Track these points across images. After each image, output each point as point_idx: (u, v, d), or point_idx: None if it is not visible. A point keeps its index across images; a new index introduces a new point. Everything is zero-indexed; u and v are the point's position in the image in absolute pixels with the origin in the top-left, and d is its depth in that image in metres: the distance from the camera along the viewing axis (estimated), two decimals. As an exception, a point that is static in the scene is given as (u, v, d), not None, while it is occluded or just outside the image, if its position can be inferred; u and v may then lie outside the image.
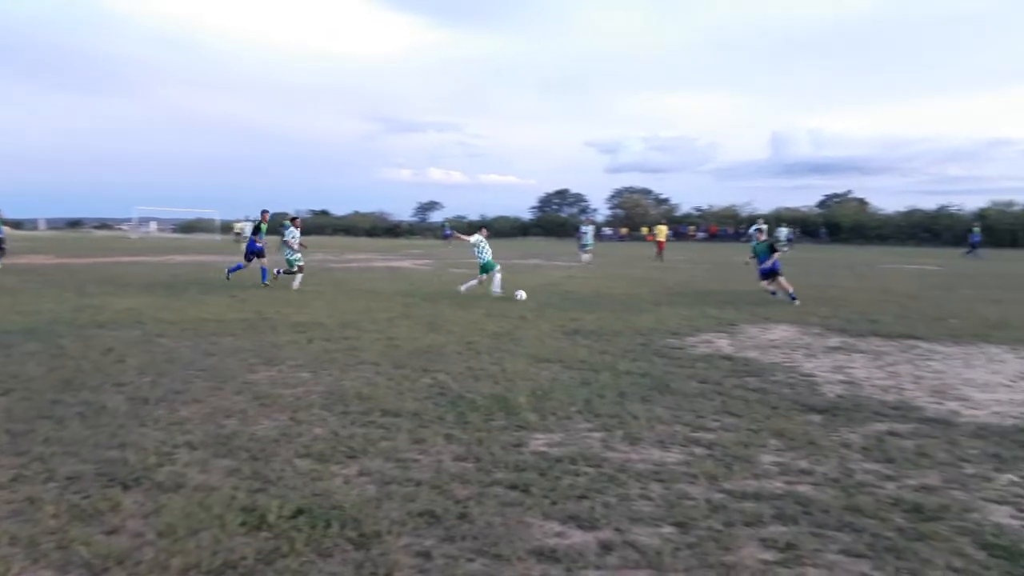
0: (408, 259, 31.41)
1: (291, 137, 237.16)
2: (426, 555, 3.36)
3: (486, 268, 15.62)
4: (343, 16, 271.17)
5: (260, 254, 17.67)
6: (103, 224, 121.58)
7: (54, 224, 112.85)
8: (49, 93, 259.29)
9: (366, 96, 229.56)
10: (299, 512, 3.75)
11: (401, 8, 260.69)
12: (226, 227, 23.65)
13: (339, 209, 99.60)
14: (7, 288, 15.79)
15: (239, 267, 18.28)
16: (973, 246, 39.49)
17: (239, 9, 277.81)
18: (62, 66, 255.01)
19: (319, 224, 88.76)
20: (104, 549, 3.33)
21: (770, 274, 15.37)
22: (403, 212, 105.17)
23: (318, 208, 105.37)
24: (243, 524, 3.62)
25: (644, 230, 71.58)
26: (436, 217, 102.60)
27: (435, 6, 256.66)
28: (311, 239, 39.18)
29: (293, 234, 17.21)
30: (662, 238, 34.46)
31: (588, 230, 30.56)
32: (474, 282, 15.97)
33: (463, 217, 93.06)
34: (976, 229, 42.17)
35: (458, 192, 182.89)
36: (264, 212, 17.98)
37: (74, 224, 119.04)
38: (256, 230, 18.10)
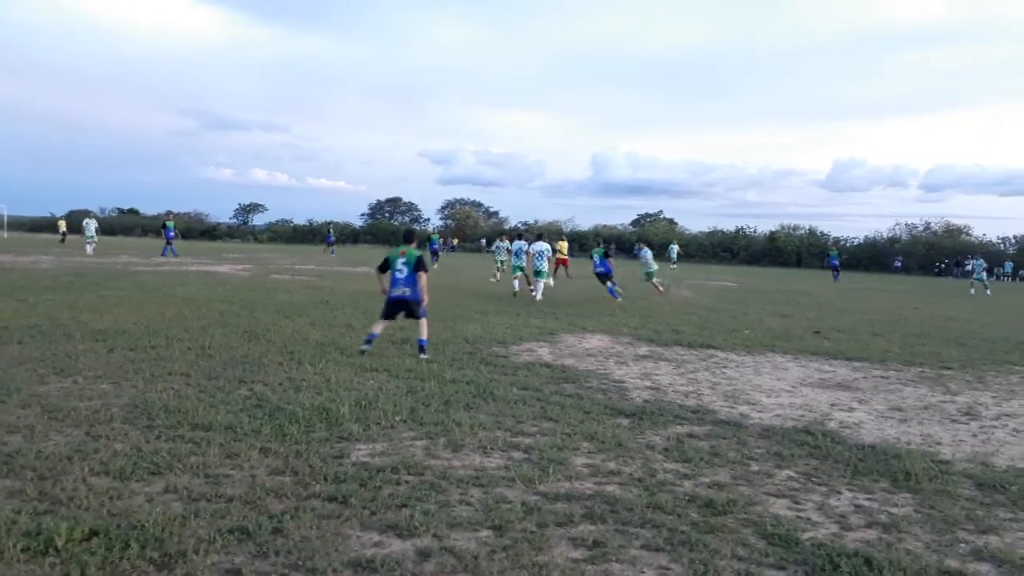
0: (226, 263, 29.76)
1: (93, 129, 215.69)
2: (236, 572, 3.23)
3: (539, 273, 18.51)
4: (150, 2, 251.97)
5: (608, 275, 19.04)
6: None
7: None
8: None
9: (181, 90, 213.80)
10: (93, 534, 3.46)
11: (215, 1, 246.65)
12: (49, 223, 20.18)
13: (150, 208, 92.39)
14: None
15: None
16: (836, 269, 40.85)
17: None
18: None
19: (126, 224, 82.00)
20: None
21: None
22: (223, 213, 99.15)
23: (126, 207, 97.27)
24: (25, 550, 3.28)
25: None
26: (258, 220, 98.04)
27: (254, 2, 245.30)
28: (115, 240, 36.03)
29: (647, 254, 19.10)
30: (564, 254, 29.63)
31: (503, 246, 25.86)
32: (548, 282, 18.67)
33: (288, 221, 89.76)
34: (833, 252, 44.10)
35: (284, 195, 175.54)
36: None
37: None
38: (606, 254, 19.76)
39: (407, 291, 9.17)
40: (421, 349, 9.13)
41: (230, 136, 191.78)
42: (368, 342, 9.14)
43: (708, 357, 10.20)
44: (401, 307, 9.25)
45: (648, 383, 8.10)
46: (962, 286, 35.66)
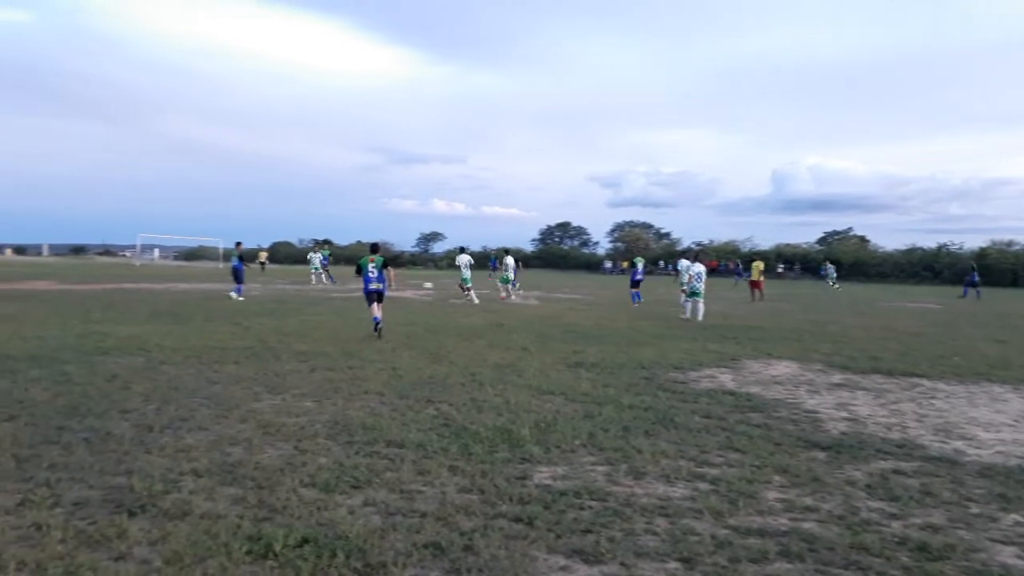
0: (410, 289, 31.45)
1: (294, 167, 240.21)
2: (432, 587, 3.36)
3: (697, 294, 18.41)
4: (343, 49, 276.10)
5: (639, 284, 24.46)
6: (106, 250, 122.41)
7: (57, 250, 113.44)
8: (52, 119, 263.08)
9: (369, 128, 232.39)
10: (304, 541, 3.75)
11: (402, 43, 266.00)
12: (249, 255, 22.39)
13: (342, 239, 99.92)
14: (11, 314, 15.84)
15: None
16: (974, 284, 38.96)
17: (236, 39, 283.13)
18: (65, 93, 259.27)
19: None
20: (112, 575, 3.34)
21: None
22: (405, 242, 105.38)
23: (321, 237, 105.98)
24: (249, 553, 3.62)
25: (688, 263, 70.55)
26: (438, 248, 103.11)
27: (436, 42, 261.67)
28: (308, 269, 39.26)
29: (688, 267, 19.24)
30: (757, 276, 28.69)
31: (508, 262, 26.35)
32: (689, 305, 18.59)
33: (466, 248, 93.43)
34: (974, 267, 41.75)
35: (461, 223, 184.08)
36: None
37: (77, 250, 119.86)
38: (634, 264, 25.74)
39: (380, 285, 13.22)
40: (377, 323, 12.83)
41: (412, 169, 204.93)
42: (376, 326, 12.80)
43: (912, 386, 9.32)
44: (376, 295, 13.12)
45: (844, 414, 7.53)
46: None
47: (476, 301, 23.08)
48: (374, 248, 13.63)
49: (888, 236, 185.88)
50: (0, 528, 3.86)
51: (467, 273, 24.18)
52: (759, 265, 29.34)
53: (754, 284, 28.47)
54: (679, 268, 22.09)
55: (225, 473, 4.92)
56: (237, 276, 23.16)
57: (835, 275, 47.63)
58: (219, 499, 4.42)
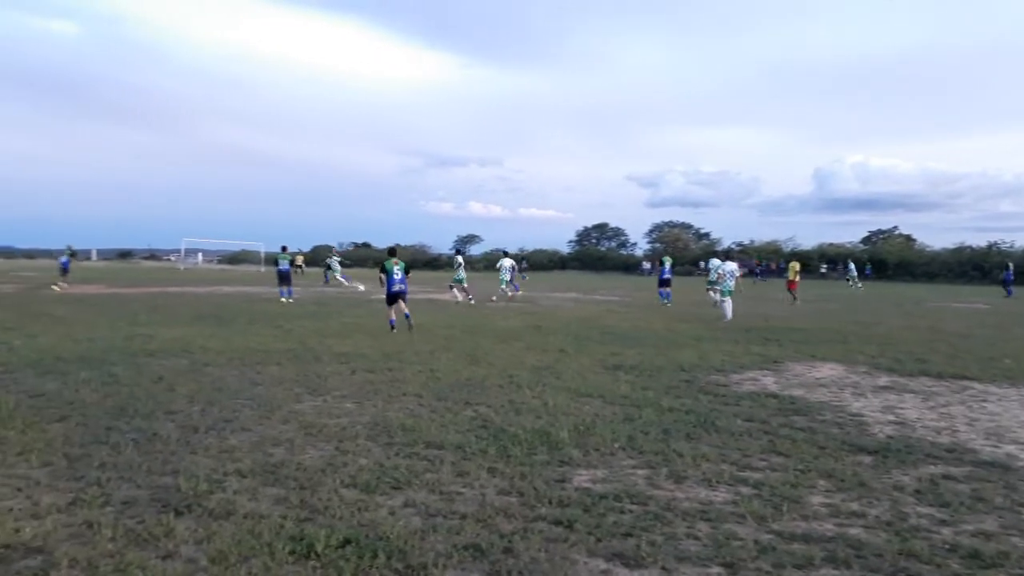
0: (447, 292, 31.56)
1: (333, 171, 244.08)
2: (472, 589, 3.36)
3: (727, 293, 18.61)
4: (380, 53, 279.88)
5: (668, 283, 25.26)
6: (152, 255, 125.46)
7: (105, 255, 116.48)
8: (96, 126, 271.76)
9: (407, 132, 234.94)
10: (346, 542, 3.78)
11: (438, 47, 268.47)
12: (290, 259, 22.72)
13: (381, 242, 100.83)
14: (62, 317, 16.32)
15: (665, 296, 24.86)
16: (1006, 283, 37.71)
17: (275, 45, 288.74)
18: (108, 101, 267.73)
19: (361, 256, 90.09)
20: (160, 574, 3.41)
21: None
22: (443, 245, 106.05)
23: (360, 241, 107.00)
24: (292, 553, 3.66)
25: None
26: (475, 250, 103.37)
27: (472, 45, 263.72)
28: (353, 271, 39.75)
29: (719, 265, 19.61)
30: (793, 276, 28.37)
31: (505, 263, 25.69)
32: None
33: (462, 251, 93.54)
34: (1009, 266, 40.78)
35: (497, 225, 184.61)
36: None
37: (124, 255, 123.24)
38: (662, 263, 26.22)
39: (402, 287, 14.41)
40: (408, 318, 14.06)
41: (449, 172, 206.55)
42: (392, 326, 14.02)
43: (962, 389, 9.06)
44: (398, 296, 14.29)
45: (891, 417, 7.35)
46: None
47: (459, 299, 24.12)
48: (392, 251, 14.89)
49: (936, 235, 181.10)
50: (53, 526, 3.98)
51: (461, 274, 24.58)
52: (795, 266, 29.04)
53: (790, 284, 28.18)
54: (710, 266, 22.37)
55: (268, 473, 5.00)
56: (285, 279, 23.31)
57: (855, 274, 46.79)
58: (262, 499, 4.48)
